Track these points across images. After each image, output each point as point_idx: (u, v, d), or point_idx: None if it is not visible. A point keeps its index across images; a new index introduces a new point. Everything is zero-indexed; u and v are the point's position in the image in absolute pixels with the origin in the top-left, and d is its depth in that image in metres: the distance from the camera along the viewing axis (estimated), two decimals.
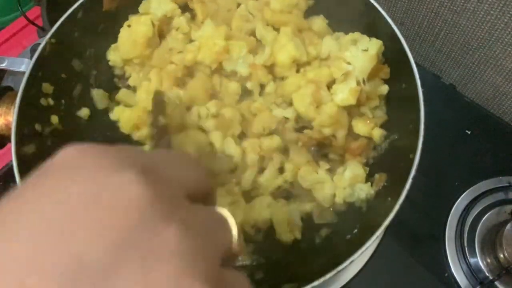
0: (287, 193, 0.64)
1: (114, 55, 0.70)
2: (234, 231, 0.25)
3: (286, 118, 0.65)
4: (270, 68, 0.67)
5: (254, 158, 0.62)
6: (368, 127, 0.64)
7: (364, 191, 0.60)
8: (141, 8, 0.71)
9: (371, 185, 0.61)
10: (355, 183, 0.61)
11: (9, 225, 0.19)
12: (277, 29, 0.68)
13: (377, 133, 0.63)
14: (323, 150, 0.66)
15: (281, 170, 0.63)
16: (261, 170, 0.63)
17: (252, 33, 0.69)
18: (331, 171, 0.64)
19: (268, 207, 0.60)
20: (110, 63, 0.71)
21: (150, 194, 0.20)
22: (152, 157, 0.25)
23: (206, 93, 0.65)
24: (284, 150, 0.65)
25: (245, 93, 0.68)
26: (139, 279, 0.18)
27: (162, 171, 0.24)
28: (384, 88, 0.64)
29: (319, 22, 0.70)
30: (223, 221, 0.25)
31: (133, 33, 0.66)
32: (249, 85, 0.67)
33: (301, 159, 0.63)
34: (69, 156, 0.22)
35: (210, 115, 0.64)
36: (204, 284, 0.20)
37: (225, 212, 0.26)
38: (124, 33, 0.66)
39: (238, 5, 0.72)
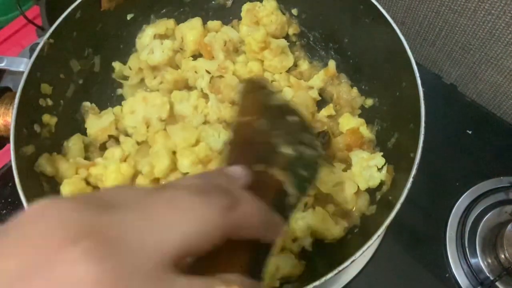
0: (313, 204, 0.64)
1: None
2: None
3: None
4: None
5: None
6: (356, 121, 0.67)
7: (379, 176, 0.61)
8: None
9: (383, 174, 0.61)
10: (369, 160, 0.62)
11: None
12: None
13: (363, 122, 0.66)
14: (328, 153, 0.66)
15: None
16: None
17: None
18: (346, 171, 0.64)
19: (302, 218, 0.60)
20: None
21: (99, 275, 0.18)
22: (126, 212, 0.21)
23: None
24: None
25: None
26: None
27: (130, 235, 0.20)
28: None
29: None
30: None
31: None
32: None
33: None
34: (28, 216, 0.20)
35: None
36: None
37: None
38: None
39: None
